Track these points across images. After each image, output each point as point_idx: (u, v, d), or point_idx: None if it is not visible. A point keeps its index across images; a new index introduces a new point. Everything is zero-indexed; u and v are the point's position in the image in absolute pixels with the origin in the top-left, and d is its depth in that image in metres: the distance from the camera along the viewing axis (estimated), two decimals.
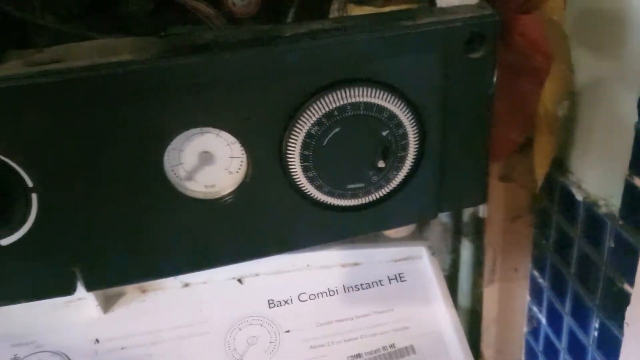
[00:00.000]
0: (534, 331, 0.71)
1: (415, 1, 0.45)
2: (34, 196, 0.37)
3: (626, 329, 0.48)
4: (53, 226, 0.38)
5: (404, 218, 0.45)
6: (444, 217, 0.73)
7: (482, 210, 0.69)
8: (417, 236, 0.56)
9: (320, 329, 0.48)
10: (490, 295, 0.72)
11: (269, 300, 0.50)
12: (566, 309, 0.62)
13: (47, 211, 0.38)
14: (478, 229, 0.72)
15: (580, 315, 0.60)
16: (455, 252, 0.76)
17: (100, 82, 0.35)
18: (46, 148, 0.36)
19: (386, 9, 0.44)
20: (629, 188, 0.49)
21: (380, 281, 0.51)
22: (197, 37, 0.38)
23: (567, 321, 0.62)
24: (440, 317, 0.49)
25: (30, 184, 0.37)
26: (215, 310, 0.50)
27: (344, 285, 0.51)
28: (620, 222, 0.51)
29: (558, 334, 0.65)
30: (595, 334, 0.57)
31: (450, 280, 0.77)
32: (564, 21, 0.54)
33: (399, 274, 0.52)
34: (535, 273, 0.68)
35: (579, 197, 0.57)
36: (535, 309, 0.70)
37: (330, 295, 0.51)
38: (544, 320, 0.68)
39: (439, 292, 0.50)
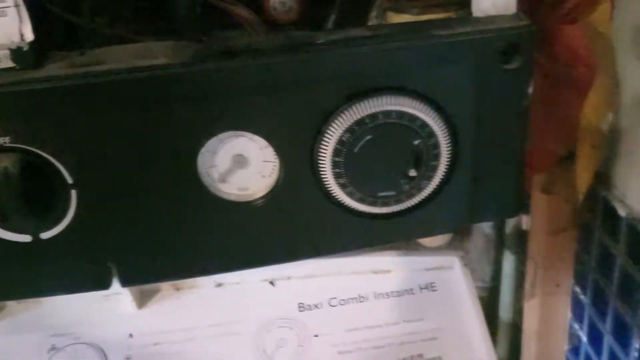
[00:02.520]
0: (575, 349, 0.69)
1: (454, 10, 0.44)
2: (73, 192, 0.39)
3: None
4: (91, 222, 0.40)
5: (435, 227, 0.45)
6: (487, 228, 0.72)
7: (525, 222, 0.68)
8: (455, 246, 0.56)
9: (349, 335, 0.48)
10: (531, 310, 0.71)
11: (299, 304, 0.51)
12: (607, 328, 0.60)
13: (85, 207, 0.39)
14: (521, 241, 0.71)
15: (621, 334, 0.58)
16: (497, 264, 0.75)
17: (138, 84, 0.36)
18: (86, 147, 0.37)
19: (424, 18, 0.44)
20: None
21: (410, 289, 0.51)
22: (233, 43, 0.38)
23: (608, 340, 0.61)
24: (470, 329, 0.48)
25: (70, 180, 0.38)
26: (246, 311, 0.50)
27: (374, 292, 0.51)
28: None
29: (599, 353, 0.63)
30: (636, 354, 0.55)
31: (492, 293, 0.76)
32: (610, 33, 0.52)
33: (430, 284, 0.51)
34: (577, 289, 0.66)
35: (622, 212, 0.55)
36: (576, 326, 0.68)
37: (360, 301, 0.51)
38: (584, 338, 0.66)
39: (470, 304, 0.49)
